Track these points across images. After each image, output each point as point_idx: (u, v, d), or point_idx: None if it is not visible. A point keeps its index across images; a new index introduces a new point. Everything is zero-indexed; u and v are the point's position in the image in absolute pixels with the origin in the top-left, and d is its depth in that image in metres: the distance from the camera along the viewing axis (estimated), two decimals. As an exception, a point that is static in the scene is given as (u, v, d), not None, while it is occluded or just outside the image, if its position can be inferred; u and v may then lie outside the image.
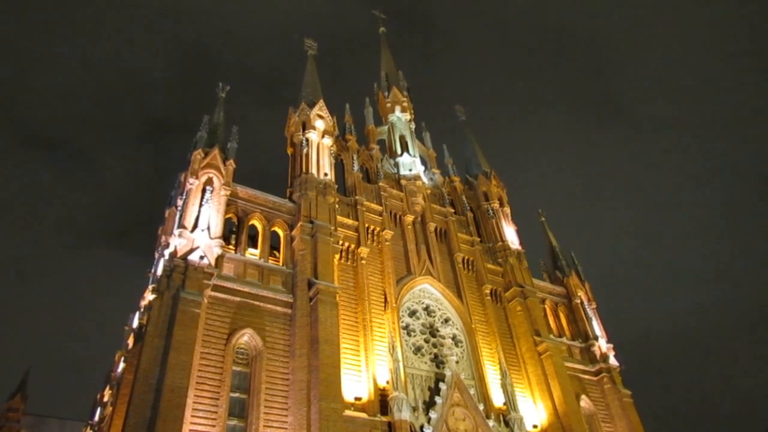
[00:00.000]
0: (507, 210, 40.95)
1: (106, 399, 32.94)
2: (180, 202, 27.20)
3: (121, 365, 28.99)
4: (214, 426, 21.44)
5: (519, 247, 38.38)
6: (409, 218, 34.35)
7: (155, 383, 20.66)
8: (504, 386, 29.04)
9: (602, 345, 36.78)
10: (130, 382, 22.71)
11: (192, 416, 21.02)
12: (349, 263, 29.77)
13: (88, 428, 37.81)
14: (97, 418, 34.79)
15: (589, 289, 40.21)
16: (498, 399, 29.16)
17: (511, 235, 39.01)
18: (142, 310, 28.94)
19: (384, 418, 24.54)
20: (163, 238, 29.84)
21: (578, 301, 38.88)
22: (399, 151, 38.41)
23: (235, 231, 28.21)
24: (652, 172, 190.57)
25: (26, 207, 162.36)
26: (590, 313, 38.66)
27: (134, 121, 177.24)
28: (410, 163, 37.36)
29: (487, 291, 34.48)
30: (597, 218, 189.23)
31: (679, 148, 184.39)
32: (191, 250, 24.14)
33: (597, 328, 37.85)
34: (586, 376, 35.38)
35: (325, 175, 31.24)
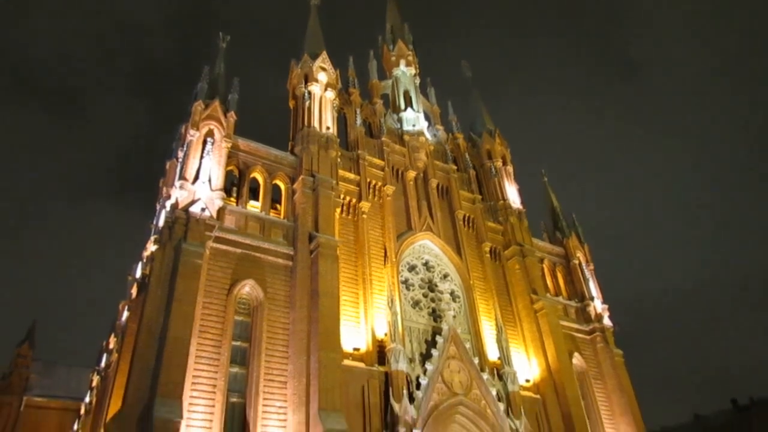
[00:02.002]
0: (510, 169, 40.89)
1: (111, 346, 33.73)
2: (181, 154, 27.19)
3: (125, 314, 29.57)
4: (216, 373, 22.05)
5: (520, 207, 38.51)
6: (411, 174, 34.35)
7: (159, 332, 21.15)
8: (499, 342, 29.65)
9: (597, 305, 37.34)
10: (134, 331, 23.25)
11: (195, 363, 21.60)
12: (350, 217, 29.96)
13: (95, 374, 38.84)
14: (103, 364, 35.70)
15: (588, 251, 40.54)
16: (493, 354, 29.83)
17: (512, 194, 39.08)
18: (144, 260, 29.32)
19: (381, 369, 25.19)
20: (165, 189, 29.96)
21: (576, 262, 39.25)
22: (403, 106, 38.07)
23: (236, 184, 28.28)
24: (658, 136, 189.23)
25: (25, 157, 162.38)
26: (587, 274, 39.09)
27: (132, 70, 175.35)
28: (414, 119, 37.08)
29: (487, 249, 34.78)
30: (600, 181, 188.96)
31: (688, 111, 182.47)
32: (192, 202, 24.29)
33: (593, 289, 38.35)
34: (580, 335, 36.08)
35: (328, 128, 31.08)
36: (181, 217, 23.79)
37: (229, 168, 27.75)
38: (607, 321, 36.89)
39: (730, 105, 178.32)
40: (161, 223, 25.05)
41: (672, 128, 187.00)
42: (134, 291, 28.46)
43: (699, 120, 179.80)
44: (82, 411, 40.27)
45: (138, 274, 29.42)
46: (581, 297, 37.89)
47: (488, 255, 34.67)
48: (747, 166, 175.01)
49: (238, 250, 25.38)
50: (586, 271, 39.15)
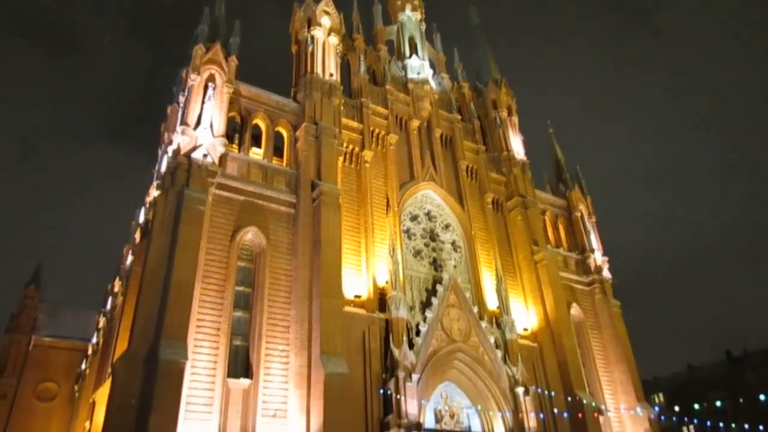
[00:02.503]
0: (515, 120, 40.36)
1: (116, 290, 34.29)
2: (182, 99, 26.83)
3: (130, 258, 29.92)
4: (220, 317, 22.48)
5: (524, 158, 38.24)
6: (415, 123, 33.98)
7: (163, 277, 21.41)
8: (498, 291, 30.03)
9: (597, 258, 37.61)
10: (138, 275, 23.53)
11: (199, 308, 22.00)
12: (352, 166, 29.82)
13: (101, 316, 39.65)
14: (108, 306, 36.39)
15: (590, 204, 40.51)
16: (492, 303, 30.28)
17: (517, 145, 38.73)
18: (147, 206, 29.41)
19: (382, 315, 25.64)
20: (166, 135, 29.74)
21: (578, 215, 39.29)
22: (408, 53, 37.25)
23: (238, 130, 28.02)
24: (668, 88, 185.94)
25: (23, 97, 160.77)
26: (589, 226, 39.20)
27: (131, 10, 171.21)
28: (419, 67, 36.34)
29: (489, 200, 34.78)
30: (605, 134, 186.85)
31: (699, 61, 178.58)
32: (194, 148, 24.14)
33: (594, 241, 38.53)
34: (579, 286, 36.50)
35: (331, 75, 30.53)
36: (183, 163, 23.71)
37: (231, 114, 27.44)
38: (606, 273, 37.25)
39: (742, 54, 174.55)
40: (163, 168, 24.99)
41: (682, 79, 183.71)
42: (138, 236, 28.67)
43: (711, 71, 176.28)
44: (90, 351, 41.33)
45: (141, 219, 29.57)
46: (582, 249, 38.12)
47: (490, 206, 34.69)
48: (758, 118, 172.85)
49: (241, 197, 25.41)
50: (587, 223, 39.24)
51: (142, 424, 18.28)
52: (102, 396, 21.92)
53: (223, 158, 25.39)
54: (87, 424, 26.12)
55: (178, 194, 23.14)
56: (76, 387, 44.10)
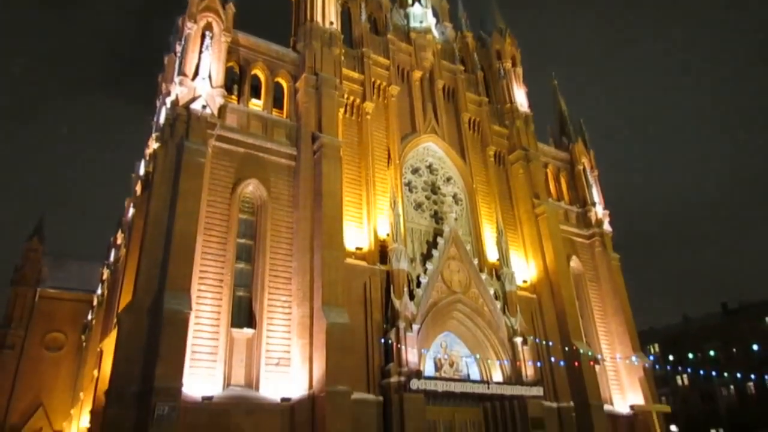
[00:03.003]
0: (519, 71, 39.66)
1: (119, 242, 34.47)
2: (179, 49, 26.24)
3: (131, 211, 29.96)
4: (222, 268, 22.68)
5: (527, 110, 37.76)
6: (417, 74, 33.39)
7: (165, 229, 21.48)
8: (499, 244, 30.19)
9: (598, 211, 37.66)
10: (140, 228, 23.60)
11: (202, 259, 22.16)
12: (353, 118, 29.48)
13: (105, 268, 40.02)
14: (112, 259, 36.67)
15: (593, 157, 40.28)
16: (492, 255, 30.49)
17: (520, 97, 38.18)
18: (147, 158, 29.21)
19: (383, 267, 25.87)
20: (164, 85, 29.24)
21: (581, 168, 39.12)
22: (410, 0, 36.22)
23: (237, 81, 27.54)
24: (675, 42, 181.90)
25: (15, 41, 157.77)
26: (591, 180, 39.09)
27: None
28: (421, 15, 35.40)
29: (491, 153, 34.55)
30: (611, 87, 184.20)
31: (703, 7, 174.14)
32: (193, 99, 23.79)
33: (596, 194, 38.49)
34: (579, 239, 36.68)
35: (331, 24, 29.79)
36: (182, 115, 23.42)
37: (230, 64, 26.92)
38: (607, 226, 37.38)
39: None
40: (162, 120, 24.71)
41: (687, 31, 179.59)
42: (139, 188, 28.61)
43: (714, 18, 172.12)
44: (95, 302, 41.94)
45: (141, 171, 29.43)
46: (583, 202, 38.13)
47: (492, 159, 34.49)
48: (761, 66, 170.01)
49: (241, 150, 25.23)
50: (590, 176, 39.12)
51: (149, 373, 18.71)
52: (109, 345, 22.33)
53: (222, 110, 25.06)
54: (95, 372, 26.72)
55: (177, 146, 22.96)
56: (83, 337, 44.99)
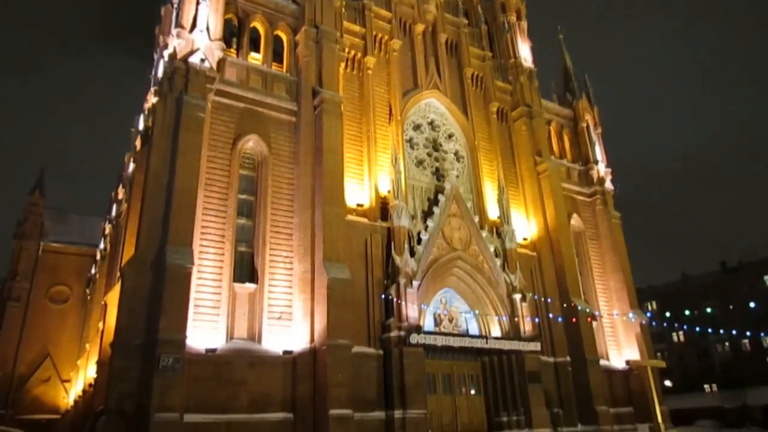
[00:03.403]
0: (524, 25, 38.77)
1: (120, 197, 34.51)
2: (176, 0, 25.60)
3: (131, 166, 29.86)
4: (224, 224, 22.77)
5: (531, 66, 37.11)
6: (420, 28, 32.66)
7: (165, 184, 21.44)
8: (500, 201, 30.17)
9: (601, 169, 37.46)
10: (141, 183, 23.59)
11: (203, 215, 22.22)
12: (354, 73, 29.01)
13: (107, 223, 40.20)
14: (114, 213, 36.79)
15: (597, 114, 39.79)
16: (493, 213, 30.52)
17: (524, 51, 37.45)
18: (146, 112, 28.90)
19: (384, 224, 25.95)
20: (161, 38, 28.67)
21: (584, 125, 38.71)
22: (413, -49, 35.04)
23: (236, 34, 26.99)
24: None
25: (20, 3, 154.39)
26: (594, 137, 38.74)
27: None
28: (424, -34, 34.32)
29: (494, 109, 34.13)
30: (618, 43, 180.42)
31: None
32: (191, 52, 23.34)
33: (598, 152, 38.22)
34: (580, 197, 36.65)
35: (332, -25, 28.92)
36: (181, 68, 23.05)
37: (228, 16, 26.31)
38: (608, 185, 37.28)
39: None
40: (160, 74, 24.33)
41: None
42: (138, 143, 28.44)
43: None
44: (98, 257, 42.30)
45: (141, 126, 29.17)
46: (585, 160, 37.91)
47: (495, 115, 34.10)
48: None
49: (241, 105, 24.94)
50: (593, 134, 38.76)
51: (153, 325, 19.04)
52: (113, 299, 22.65)
53: (221, 63, 24.65)
54: (100, 325, 27.21)
55: (176, 100, 22.68)
56: (87, 290, 45.58)
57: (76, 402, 35.90)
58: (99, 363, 24.31)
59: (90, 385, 28.17)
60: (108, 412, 18.32)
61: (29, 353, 46.15)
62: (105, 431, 17.96)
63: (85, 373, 33.74)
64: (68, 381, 44.89)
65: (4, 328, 45.97)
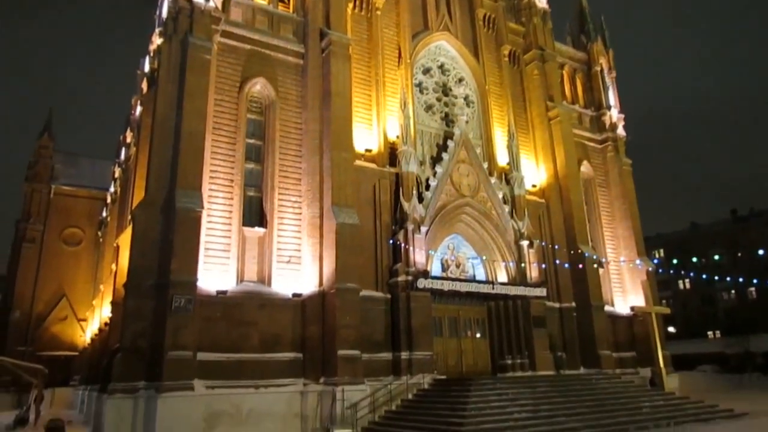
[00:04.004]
0: (537, -37, 37.23)
1: (128, 141, 34.47)
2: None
3: (139, 109, 29.67)
4: (233, 168, 22.78)
5: (545, 6, 35.89)
6: (431, -34, 31.46)
7: (173, 127, 21.34)
8: (510, 147, 29.85)
9: (613, 115, 36.82)
10: (149, 126, 23.51)
11: (211, 159, 22.21)
12: (363, 14, 28.20)
13: (116, 166, 40.35)
14: (123, 157, 36.86)
15: (611, 58, 38.76)
16: (502, 159, 30.27)
17: (538, -9, 36.12)
18: (152, 54, 28.46)
19: (392, 170, 25.85)
20: (166, -24, 27.91)
21: (598, 69, 37.80)
22: None
23: (242, -28, 26.14)
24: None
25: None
26: (608, 82, 37.89)
27: None
28: None
29: (506, 52, 33.26)
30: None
31: None
32: (196, -9, 22.73)
33: (612, 97, 37.46)
34: (591, 144, 36.20)
35: None
36: (185, 8, 22.53)
37: (232, -49, 25.41)
38: (620, 131, 36.71)
39: None
40: (164, 14, 23.79)
41: None
42: (145, 86, 28.16)
43: None
44: (108, 200, 42.71)
45: (147, 68, 28.80)
46: (598, 106, 37.24)
47: (507, 59, 33.26)
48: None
49: (247, 46, 24.47)
50: (607, 78, 37.90)
51: (165, 267, 19.40)
52: (125, 241, 22.98)
53: (226, 3, 24.05)
54: (113, 266, 27.72)
55: (182, 42, 22.28)
56: (99, 233, 46.27)
57: (92, 340, 37.06)
58: (113, 303, 24.91)
59: (105, 324, 28.99)
60: (123, 350, 18.94)
61: (46, 293, 47.44)
62: (121, 367, 18.59)
63: (100, 313, 34.68)
64: (84, 320, 46.25)
65: (20, 268, 47.09)
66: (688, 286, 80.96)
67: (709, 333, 69.76)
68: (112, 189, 41.35)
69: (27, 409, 29.31)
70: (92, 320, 41.07)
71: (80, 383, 38.80)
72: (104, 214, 44.76)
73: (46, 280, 47.55)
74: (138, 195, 22.80)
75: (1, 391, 42.39)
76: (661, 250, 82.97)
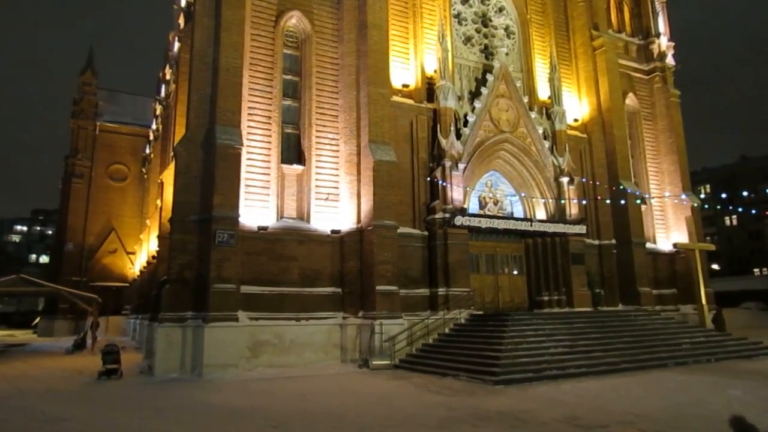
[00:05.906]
0: None
1: (168, 77, 34.67)
2: None
3: (176, 45, 29.63)
4: (270, 105, 22.78)
5: (595, -75, 33.53)
6: None
7: (211, 62, 21.34)
8: (551, 80, 28.83)
9: (662, 43, 34.89)
10: (187, 61, 23.55)
11: (249, 95, 22.23)
12: (400, -60, 26.96)
13: (157, 103, 40.83)
14: (163, 94, 37.21)
15: (664, -21, 36.32)
16: (543, 93, 29.33)
17: None
18: (187, -12, 28.11)
19: (430, 105, 25.42)
20: None
21: (647, -7, 35.56)
22: None
23: None
24: None
25: None
26: (657, 7, 35.68)
27: None
28: None
29: (550, -23, 31.53)
30: None
31: None
32: None
33: (661, 24, 35.37)
34: (638, 74, 34.61)
35: None
36: (219, -61, 21.97)
37: None
38: (670, 59, 34.87)
39: None
40: (198, -55, 23.25)
41: None
42: (181, 21, 28.00)
43: None
44: (151, 137, 43.53)
45: (183, 2, 28.53)
46: (646, 33, 35.31)
47: (551, -15, 31.55)
48: None
49: (282, -23, 23.88)
50: (656, 3, 35.67)
51: (207, 203, 19.92)
52: (168, 177, 23.57)
53: (259, -68, 23.34)
54: (158, 202, 28.61)
55: (216, -26, 21.90)
56: (143, 169, 47.50)
57: (141, 272, 38.81)
58: (160, 237, 25.88)
59: (153, 257, 30.25)
60: (171, 281, 19.82)
61: (96, 227, 49.55)
62: (169, 297, 19.52)
63: (147, 247, 36.13)
64: (132, 253, 48.35)
65: (71, 202, 49.09)
66: (734, 222, 78.67)
67: (756, 270, 68.27)
68: (153, 126, 42.04)
69: (84, 335, 31.43)
70: (140, 253, 42.87)
71: (132, 312, 41.06)
72: (147, 150, 45.75)
73: (95, 214, 49.55)
74: (179, 131, 23.16)
75: (60, 319, 45.30)
76: (708, 186, 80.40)
